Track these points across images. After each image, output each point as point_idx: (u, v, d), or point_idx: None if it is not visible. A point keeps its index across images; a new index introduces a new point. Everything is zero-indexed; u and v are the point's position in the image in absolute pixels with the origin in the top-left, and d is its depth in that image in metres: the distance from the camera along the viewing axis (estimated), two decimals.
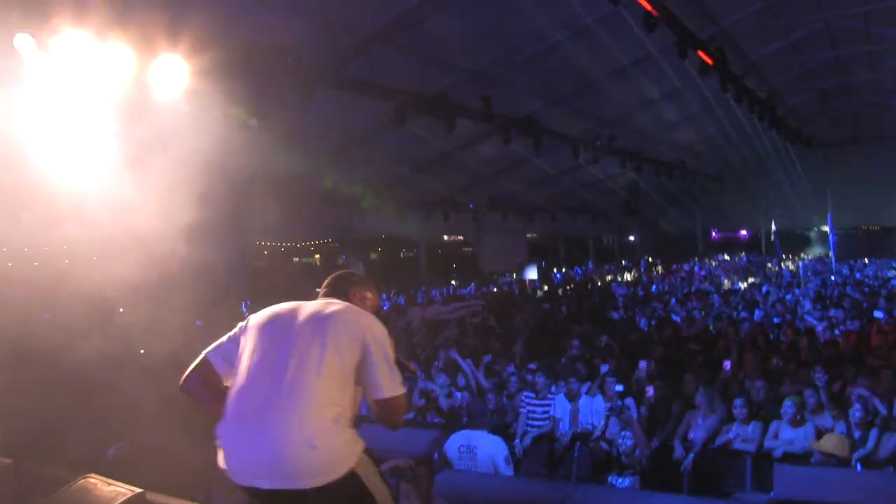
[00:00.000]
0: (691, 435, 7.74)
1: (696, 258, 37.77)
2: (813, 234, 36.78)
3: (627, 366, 9.35)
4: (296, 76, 13.16)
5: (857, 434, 6.97)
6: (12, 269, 11.35)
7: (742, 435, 7.46)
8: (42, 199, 8.91)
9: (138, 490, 4.79)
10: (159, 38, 10.22)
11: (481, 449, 6.85)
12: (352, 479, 3.45)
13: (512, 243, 32.42)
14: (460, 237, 33.60)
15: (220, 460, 3.43)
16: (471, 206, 27.46)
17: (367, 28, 13.53)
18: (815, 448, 6.82)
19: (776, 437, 7.29)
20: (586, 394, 8.40)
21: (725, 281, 23.43)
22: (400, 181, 22.45)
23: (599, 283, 24.54)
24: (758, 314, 13.68)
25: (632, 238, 44.79)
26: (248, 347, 3.59)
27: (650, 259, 37.85)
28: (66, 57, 8.92)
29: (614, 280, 26.23)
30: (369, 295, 4.06)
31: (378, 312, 3.95)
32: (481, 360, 9.73)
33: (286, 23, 12.47)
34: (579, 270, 32.28)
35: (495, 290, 24.90)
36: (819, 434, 7.10)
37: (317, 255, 37.00)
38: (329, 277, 4.08)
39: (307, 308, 3.70)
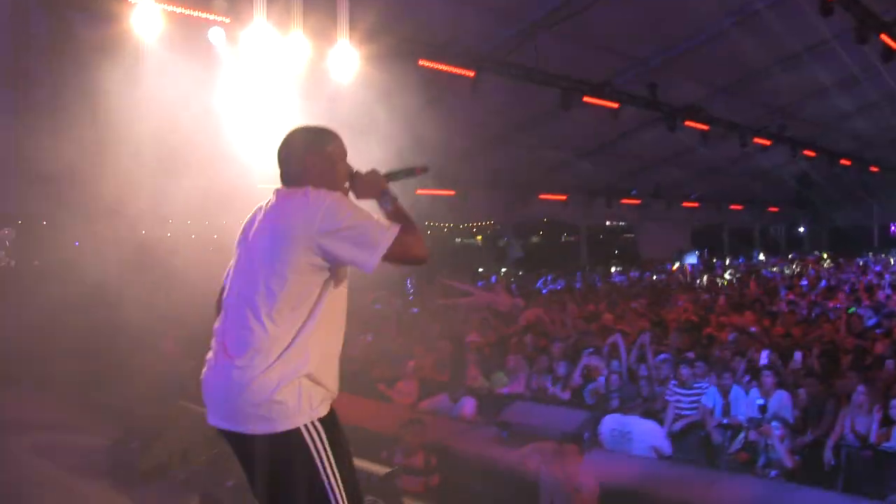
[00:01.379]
0: (848, 435, 7.66)
1: (871, 253, 35.89)
2: None
3: (782, 358, 9.31)
4: (464, 62, 13.69)
5: None
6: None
7: None
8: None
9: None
10: (334, 28, 10.93)
11: (636, 433, 7.08)
12: (296, 439, 3.02)
13: (674, 232, 32.02)
14: (622, 223, 33.37)
15: None
16: (633, 192, 27.32)
17: (533, 15, 13.76)
18: None
19: None
20: (736, 386, 8.49)
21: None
22: (563, 167, 22.62)
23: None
24: None
25: (801, 230, 43.16)
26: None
27: (819, 253, 36.28)
28: (252, 47, 9.71)
29: (780, 272, 25.40)
30: (329, 150, 3.35)
31: (351, 173, 3.38)
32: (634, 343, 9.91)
33: (454, 11, 12.87)
34: (742, 260, 31.41)
35: (654, 276, 24.67)
36: None
37: (479, 237, 37.58)
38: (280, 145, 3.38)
39: (259, 214, 3.30)
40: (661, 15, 14.76)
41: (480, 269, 26.46)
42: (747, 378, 8.65)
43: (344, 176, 3.33)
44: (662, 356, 9.39)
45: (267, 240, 3.10)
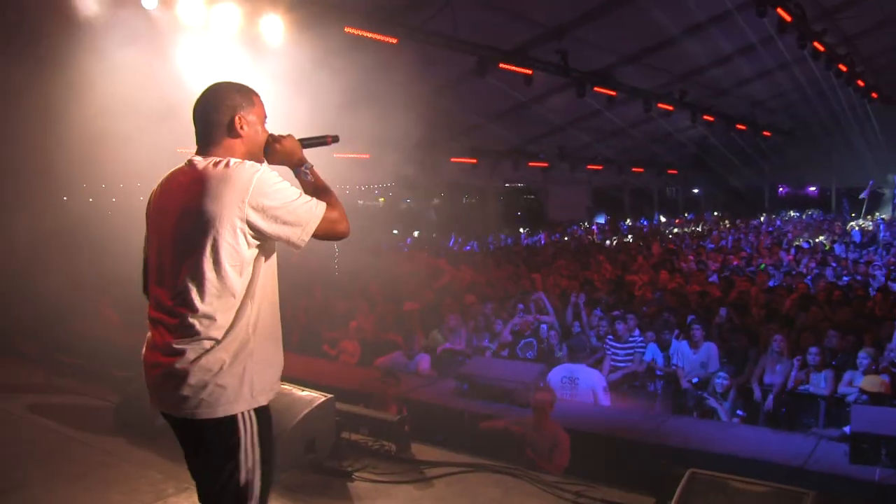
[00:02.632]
0: (767, 379, 8.42)
1: (763, 214, 37.72)
2: (886, 194, 36.21)
3: (707, 314, 10.00)
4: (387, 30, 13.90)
5: None
6: None
7: (815, 381, 8.08)
8: None
9: (329, 395, 5.64)
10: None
11: (582, 380, 7.67)
12: (229, 426, 2.97)
13: (577, 193, 32.94)
14: (520, 185, 33.95)
15: None
16: (541, 155, 27.93)
17: None
18: (860, 387, 7.43)
19: (850, 384, 7.89)
20: (675, 339, 9.17)
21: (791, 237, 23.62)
22: (474, 130, 22.96)
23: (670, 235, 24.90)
24: (829, 272, 14.12)
25: (695, 191, 44.82)
26: None
27: (716, 213, 37.88)
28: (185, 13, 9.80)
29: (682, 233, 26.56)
30: (255, 111, 3.16)
31: (268, 139, 3.21)
32: (569, 300, 10.50)
33: None
34: (645, 222, 32.61)
35: (566, 238, 25.44)
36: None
37: (381, 199, 37.67)
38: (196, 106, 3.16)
39: (173, 185, 3.09)
40: None
41: (395, 231, 26.73)
42: (676, 332, 9.33)
43: (263, 141, 3.17)
44: (598, 313, 9.98)
45: (192, 218, 2.89)
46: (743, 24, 18.31)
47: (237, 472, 2.94)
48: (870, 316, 9.97)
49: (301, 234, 2.99)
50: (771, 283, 13.04)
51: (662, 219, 34.27)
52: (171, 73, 9.99)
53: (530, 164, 28.08)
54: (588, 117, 24.11)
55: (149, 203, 3.16)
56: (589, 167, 31.13)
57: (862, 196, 23.84)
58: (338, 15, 13.06)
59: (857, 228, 24.47)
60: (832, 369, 8.11)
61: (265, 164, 3.08)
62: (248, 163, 2.97)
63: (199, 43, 10.81)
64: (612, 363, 8.95)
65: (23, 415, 6.68)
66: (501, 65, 16.91)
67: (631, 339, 9.12)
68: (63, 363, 8.24)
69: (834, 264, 15.36)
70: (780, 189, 42.99)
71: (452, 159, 24.68)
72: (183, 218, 2.92)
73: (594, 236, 24.12)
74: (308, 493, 5.02)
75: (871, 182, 24.10)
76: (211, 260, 2.87)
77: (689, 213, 38.05)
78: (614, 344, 9.10)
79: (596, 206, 34.29)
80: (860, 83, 26.02)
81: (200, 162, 2.99)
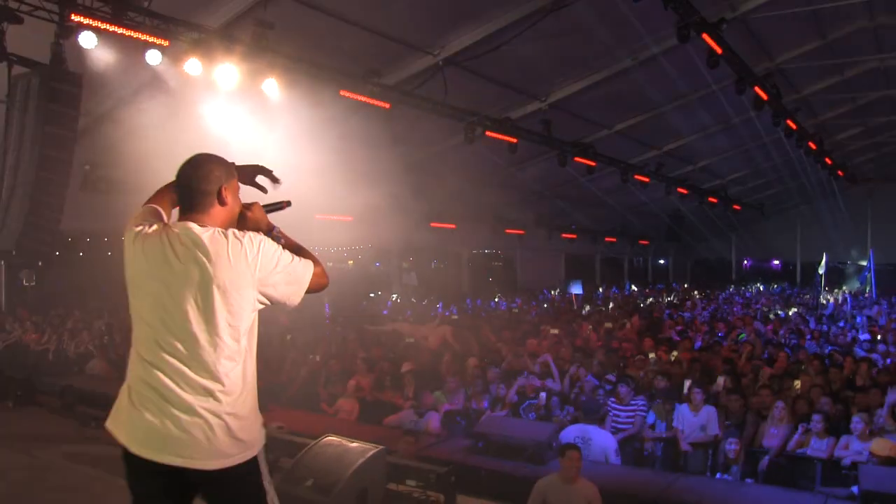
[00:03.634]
0: (765, 442, 8.63)
1: (732, 285, 38.43)
2: (850, 269, 37.10)
3: (704, 380, 10.21)
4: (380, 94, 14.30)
5: None
6: None
7: (816, 445, 8.33)
8: None
9: (380, 446, 5.74)
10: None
11: (595, 440, 7.84)
12: (253, 465, 3.27)
13: (550, 260, 33.41)
14: (490, 251, 34.24)
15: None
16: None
17: (445, 51, 14.42)
18: (871, 450, 7.68)
19: (846, 448, 8.14)
20: (677, 403, 9.38)
21: (765, 309, 24.13)
22: (456, 197, 23.24)
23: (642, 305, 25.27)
24: (809, 343, 14.51)
25: (661, 262, 45.52)
26: None
27: (685, 285, 38.45)
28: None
29: (655, 303, 26.94)
30: (235, 182, 3.41)
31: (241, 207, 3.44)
32: (567, 368, 10.75)
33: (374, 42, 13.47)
34: (616, 290, 33.00)
35: (545, 304, 25.72)
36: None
37: (350, 262, 37.74)
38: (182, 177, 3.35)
39: (174, 250, 3.19)
40: (564, 51, 15.62)
41: (372, 295, 26.82)
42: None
43: (238, 209, 3.39)
44: (591, 379, 10.22)
45: (210, 285, 3.09)
46: (722, 101, 18.98)
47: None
48: (853, 384, 10.37)
49: (298, 294, 3.30)
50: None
51: (634, 288, 34.70)
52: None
53: (507, 230, 28.48)
54: (566, 185, 24.56)
55: (134, 256, 3.23)
56: (564, 235, 31.65)
57: (821, 271, 24.58)
58: (333, 77, 13.42)
59: (830, 301, 25.06)
60: (832, 434, 8.37)
61: (261, 235, 3.29)
62: (249, 235, 3.21)
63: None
64: (613, 425, 9.09)
65: (63, 464, 6.63)
66: (488, 133, 17.32)
67: (633, 402, 9.29)
68: (86, 414, 8.19)
69: (808, 336, 15.81)
70: (746, 262, 43.88)
71: (433, 224, 24.95)
72: (201, 285, 3.10)
73: (573, 304, 24.38)
74: None
75: (825, 256, 24.93)
76: (230, 325, 3.12)
77: (658, 284, 38.56)
78: (616, 406, 9.24)
79: (567, 274, 34.69)
80: (828, 161, 26.92)
81: (202, 231, 3.17)
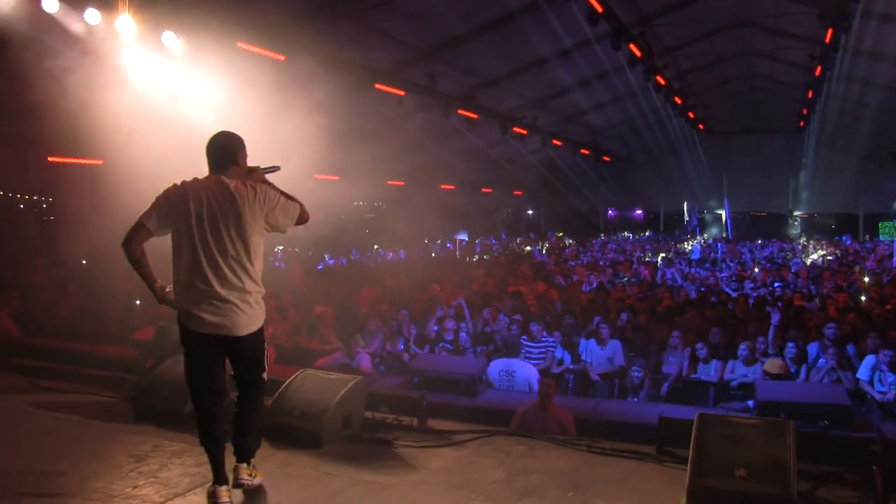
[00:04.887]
0: (664, 369, 9.62)
1: (602, 234, 40.19)
2: (709, 217, 39.34)
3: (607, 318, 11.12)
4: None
5: (792, 368, 8.99)
6: None
7: (704, 370, 9.38)
8: None
9: (359, 377, 6.18)
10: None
11: (518, 372, 8.57)
12: (261, 332, 4.89)
13: (426, 210, 33.98)
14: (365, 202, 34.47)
15: None
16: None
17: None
18: (764, 369, 8.73)
19: (733, 371, 9.20)
20: (583, 338, 10.23)
21: (639, 255, 25.58)
22: (339, 147, 23.34)
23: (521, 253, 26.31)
24: (687, 285, 15.71)
25: (530, 212, 46.86)
26: None
27: (559, 233, 39.82)
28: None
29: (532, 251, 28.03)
30: (245, 151, 4.89)
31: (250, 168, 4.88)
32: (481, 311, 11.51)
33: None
34: (494, 239, 33.93)
35: (433, 254, 26.35)
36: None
37: None
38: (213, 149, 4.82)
39: (209, 192, 4.69)
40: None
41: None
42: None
43: (247, 169, 4.82)
44: (503, 318, 10.95)
45: (241, 218, 4.63)
46: (600, 55, 19.84)
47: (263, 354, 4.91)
48: (735, 317, 11.51)
49: (291, 224, 4.92)
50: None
51: (504, 237, 35.75)
52: None
53: (389, 182, 28.84)
54: (448, 137, 25.08)
55: (183, 197, 4.66)
56: (443, 186, 32.24)
57: (692, 221, 26.29)
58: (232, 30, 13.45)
59: (697, 246, 26.79)
60: (720, 360, 9.42)
61: (265, 185, 4.82)
62: (258, 185, 4.75)
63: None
64: (526, 360, 9.82)
65: (34, 411, 6.65)
66: (377, 85, 17.65)
67: (543, 339, 10.05)
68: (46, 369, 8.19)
69: (678, 277, 17.14)
70: (610, 211, 45.80)
71: (316, 176, 24.98)
72: (233, 217, 4.63)
73: (457, 253, 25.13)
74: (363, 460, 5.51)
75: (696, 208, 26.66)
76: (253, 243, 4.72)
77: (532, 233, 39.80)
78: (528, 343, 9.97)
79: (445, 224, 35.29)
80: (691, 115, 28.59)
81: (229, 182, 4.68)
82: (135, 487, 4.94)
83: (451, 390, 7.59)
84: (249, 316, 4.68)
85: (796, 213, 39.06)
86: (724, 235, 31.42)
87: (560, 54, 20.00)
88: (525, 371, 8.62)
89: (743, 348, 9.25)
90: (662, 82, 21.96)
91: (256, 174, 4.82)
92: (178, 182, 4.75)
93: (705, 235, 33.49)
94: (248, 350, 4.78)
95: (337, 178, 26.03)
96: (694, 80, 26.36)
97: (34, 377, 7.79)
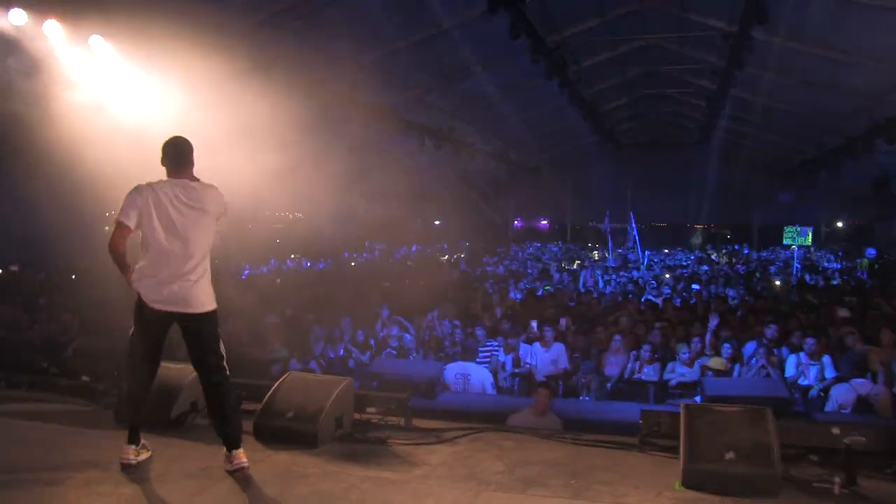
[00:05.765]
0: (607, 371, 10.06)
1: (513, 244, 40.82)
2: (616, 228, 40.31)
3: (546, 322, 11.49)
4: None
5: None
6: None
7: (647, 371, 9.85)
8: None
9: (348, 378, 6.29)
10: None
11: (474, 376, 8.89)
12: (214, 313, 5.46)
13: (346, 221, 33.83)
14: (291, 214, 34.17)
15: None
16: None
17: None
18: (709, 366, 9.28)
19: (673, 371, 9.71)
20: (524, 342, 10.56)
21: (554, 264, 26.27)
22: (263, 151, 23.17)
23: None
24: (608, 289, 16.33)
25: (437, 223, 47.08)
26: None
27: (468, 243, 40.16)
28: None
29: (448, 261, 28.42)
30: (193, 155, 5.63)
31: None
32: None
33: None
34: (415, 248, 34.04)
35: (353, 264, 26.41)
36: (703, 369, 9.59)
37: None
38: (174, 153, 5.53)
39: (170, 191, 5.35)
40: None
41: None
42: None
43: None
44: (446, 324, 11.21)
45: (200, 215, 5.37)
46: (515, 70, 20.30)
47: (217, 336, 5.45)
48: (668, 320, 12.10)
49: (225, 226, 5.85)
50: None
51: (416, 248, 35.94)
52: None
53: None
54: (368, 148, 25.13)
55: (151, 197, 5.29)
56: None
57: (604, 229, 27.11)
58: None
59: (612, 257, 27.67)
60: (659, 361, 9.93)
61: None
62: (216, 187, 5.53)
63: None
64: (480, 365, 10.11)
65: (15, 422, 6.50)
66: None
67: (488, 343, 10.38)
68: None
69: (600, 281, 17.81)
70: (517, 221, 46.44)
71: None
72: (192, 214, 5.33)
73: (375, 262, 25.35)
74: (363, 458, 5.69)
75: (607, 217, 27.50)
76: (205, 237, 5.39)
77: (446, 244, 40.07)
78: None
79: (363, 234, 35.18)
80: (601, 128, 29.42)
81: (192, 183, 5.43)
82: None
83: (412, 393, 7.79)
84: (204, 297, 5.34)
85: (696, 224, 40.64)
86: (633, 246, 32.39)
87: (482, 67, 20.39)
88: (479, 375, 8.98)
89: (685, 350, 9.82)
90: (575, 95, 22.60)
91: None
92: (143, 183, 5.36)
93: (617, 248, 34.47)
94: (203, 329, 5.36)
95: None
96: (604, 96, 27.15)
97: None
